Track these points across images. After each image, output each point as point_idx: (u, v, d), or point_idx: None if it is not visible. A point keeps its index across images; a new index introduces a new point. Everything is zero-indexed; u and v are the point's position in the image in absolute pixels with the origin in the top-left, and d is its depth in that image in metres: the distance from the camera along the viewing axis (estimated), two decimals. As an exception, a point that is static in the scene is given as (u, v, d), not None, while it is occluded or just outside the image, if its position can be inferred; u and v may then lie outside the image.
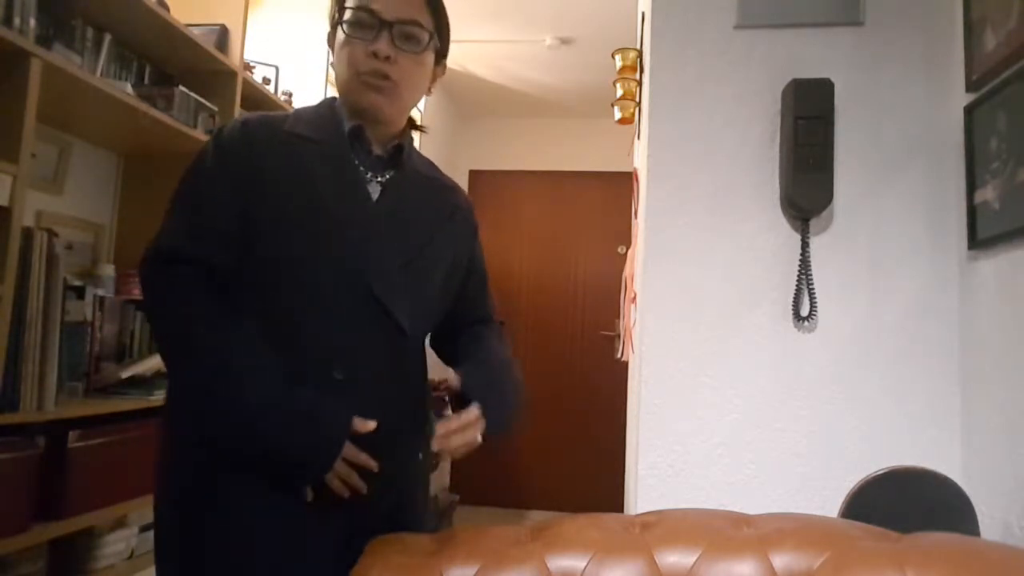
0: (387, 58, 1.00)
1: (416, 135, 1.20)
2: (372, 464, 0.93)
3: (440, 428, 0.95)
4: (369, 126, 1.06)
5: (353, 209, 1.01)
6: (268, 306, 0.97)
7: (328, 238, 0.98)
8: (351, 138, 1.05)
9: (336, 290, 0.98)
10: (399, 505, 1.06)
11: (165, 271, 0.98)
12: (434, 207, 1.11)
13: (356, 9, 1.01)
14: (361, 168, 1.04)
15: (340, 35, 1.04)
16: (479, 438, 0.99)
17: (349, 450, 0.93)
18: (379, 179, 1.06)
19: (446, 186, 1.18)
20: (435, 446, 0.95)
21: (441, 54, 1.11)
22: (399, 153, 1.08)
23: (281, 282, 0.97)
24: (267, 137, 1.01)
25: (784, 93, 1.49)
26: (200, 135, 2.04)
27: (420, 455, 1.10)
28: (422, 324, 1.08)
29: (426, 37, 1.04)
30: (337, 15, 1.04)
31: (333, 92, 1.12)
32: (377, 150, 1.07)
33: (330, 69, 2.80)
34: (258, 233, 0.98)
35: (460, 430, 0.96)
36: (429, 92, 1.13)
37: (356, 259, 0.98)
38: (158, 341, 1.03)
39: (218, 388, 0.93)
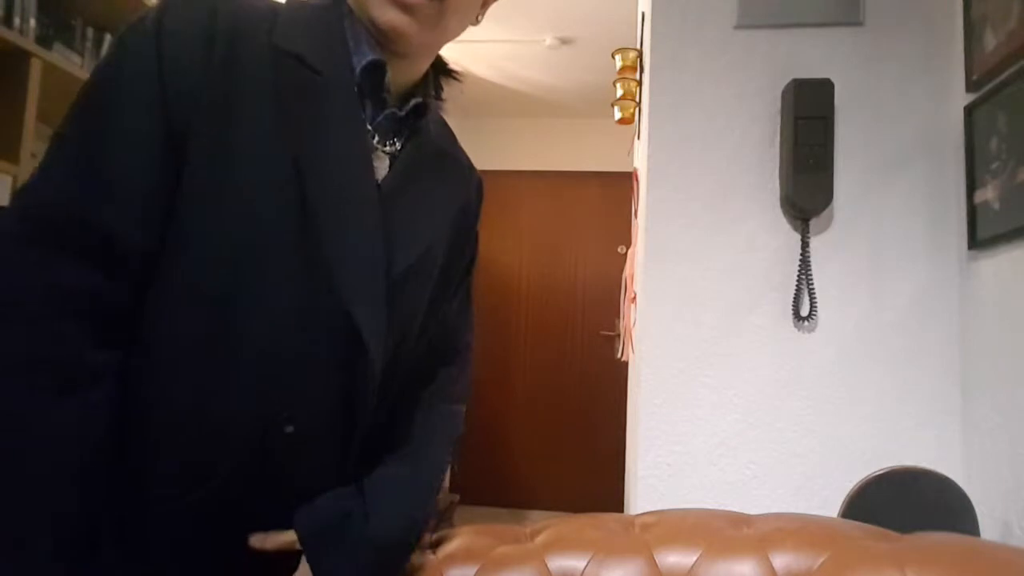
0: None
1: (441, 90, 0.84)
2: None
3: None
4: (392, 61, 0.72)
5: (348, 193, 0.69)
6: (209, 320, 0.65)
7: (303, 226, 0.66)
8: (363, 77, 0.71)
9: (305, 310, 0.67)
10: None
11: (33, 258, 0.59)
12: (445, 200, 0.82)
13: None
14: (369, 129, 0.73)
15: None
16: None
17: None
18: (387, 147, 0.74)
19: (460, 165, 0.88)
20: None
21: None
22: (419, 115, 0.77)
23: (231, 283, 0.65)
24: (235, 44, 0.65)
25: (784, 93, 1.49)
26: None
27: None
28: (407, 351, 0.79)
29: None
30: None
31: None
32: (392, 102, 0.74)
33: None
34: (201, 206, 0.64)
35: None
36: (477, 21, 0.80)
37: (339, 268, 0.67)
38: None
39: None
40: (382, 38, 0.70)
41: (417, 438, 0.80)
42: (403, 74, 0.75)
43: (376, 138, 0.73)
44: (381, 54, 0.71)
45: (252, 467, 0.67)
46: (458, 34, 0.76)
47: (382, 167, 0.74)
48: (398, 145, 0.76)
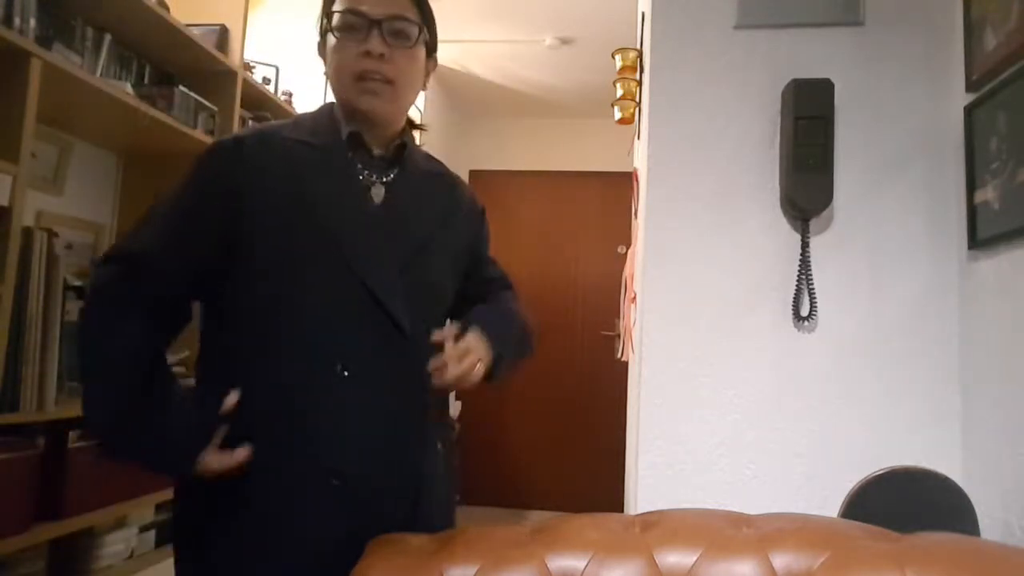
0: (381, 56, 1.00)
1: (416, 134, 1.19)
2: (241, 459, 0.93)
3: (433, 363, 0.94)
4: (367, 129, 1.06)
5: (351, 213, 1.01)
6: (274, 310, 0.98)
7: (325, 242, 0.98)
8: (350, 143, 1.05)
9: (336, 292, 0.98)
10: (418, 495, 1.04)
11: (116, 279, 0.99)
12: (438, 204, 1.11)
13: (344, 12, 1.01)
14: (365, 171, 1.05)
15: (331, 40, 1.04)
16: (480, 368, 0.98)
17: (212, 458, 0.93)
18: (383, 180, 1.06)
19: (450, 181, 1.18)
20: (434, 380, 0.94)
21: (431, 48, 1.11)
22: (402, 151, 1.09)
23: (283, 286, 0.98)
24: (261, 148, 1.02)
25: (784, 93, 1.49)
26: (200, 135, 2.04)
27: (439, 446, 1.10)
28: (427, 322, 1.06)
29: (415, 31, 1.04)
30: (325, 21, 1.04)
31: (333, 93, 1.12)
32: (379, 151, 1.08)
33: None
34: (255, 242, 0.98)
35: (457, 356, 0.95)
36: (424, 87, 1.13)
37: (355, 262, 0.99)
38: (79, 340, 1.03)
39: (99, 391, 0.96)
40: (361, 116, 1.04)
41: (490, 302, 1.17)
42: (383, 134, 1.08)
43: (373, 176, 1.06)
44: (358, 126, 1.05)
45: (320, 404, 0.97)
46: (414, 101, 1.12)
47: (380, 194, 1.05)
48: (392, 176, 1.07)
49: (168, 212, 1.01)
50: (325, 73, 1.09)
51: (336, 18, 1.02)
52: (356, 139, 1.05)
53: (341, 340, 0.98)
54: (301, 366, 0.97)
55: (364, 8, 1.00)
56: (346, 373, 0.97)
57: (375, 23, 1.00)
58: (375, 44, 1.00)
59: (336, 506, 0.96)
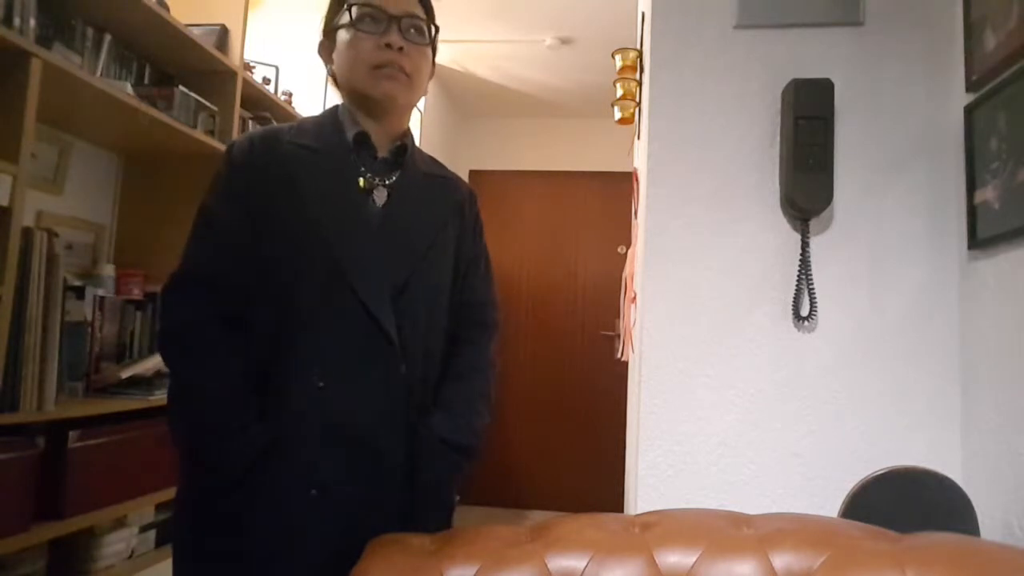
0: (400, 49, 1.04)
1: (416, 133, 1.20)
2: None
3: None
4: (376, 125, 1.08)
5: (349, 215, 1.03)
6: (274, 319, 1.00)
7: (322, 248, 1.00)
8: (355, 144, 1.07)
9: (327, 300, 0.99)
10: (411, 504, 1.04)
11: (181, 294, 1.02)
12: (438, 206, 1.13)
13: (361, 6, 1.05)
14: (368, 174, 1.07)
15: (344, 35, 1.07)
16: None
17: None
18: (385, 183, 1.08)
19: (449, 182, 1.20)
20: None
21: (434, 52, 1.15)
22: (403, 153, 1.11)
23: (282, 294, 1.00)
24: (267, 152, 1.04)
25: (784, 93, 1.49)
26: (200, 135, 2.04)
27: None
28: (425, 326, 1.07)
29: (428, 30, 1.10)
30: (346, 15, 1.06)
31: (333, 92, 1.13)
32: (382, 153, 1.10)
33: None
34: (258, 248, 1.01)
35: None
36: (424, 91, 1.16)
37: (348, 268, 1.00)
38: (162, 356, 1.06)
39: (183, 402, 1.00)
40: (375, 106, 1.07)
41: (463, 369, 1.13)
42: (391, 130, 1.11)
43: (376, 179, 1.07)
44: (367, 124, 1.08)
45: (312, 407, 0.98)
46: (418, 101, 1.15)
47: (382, 197, 1.07)
48: (394, 179, 1.09)
49: (206, 229, 1.04)
50: (330, 71, 1.11)
51: (355, 11, 1.05)
52: (361, 140, 1.07)
53: (322, 350, 0.98)
54: (287, 375, 0.98)
55: (381, 3, 1.05)
56: (321, 384, 0.98)
57: (394, 19, 1.05)
58: (395, 38, 1.04)
59: (319, 516, 0.96)
